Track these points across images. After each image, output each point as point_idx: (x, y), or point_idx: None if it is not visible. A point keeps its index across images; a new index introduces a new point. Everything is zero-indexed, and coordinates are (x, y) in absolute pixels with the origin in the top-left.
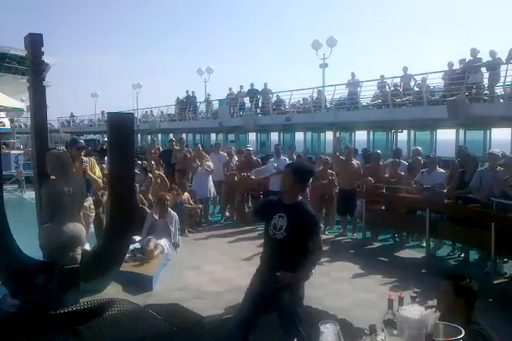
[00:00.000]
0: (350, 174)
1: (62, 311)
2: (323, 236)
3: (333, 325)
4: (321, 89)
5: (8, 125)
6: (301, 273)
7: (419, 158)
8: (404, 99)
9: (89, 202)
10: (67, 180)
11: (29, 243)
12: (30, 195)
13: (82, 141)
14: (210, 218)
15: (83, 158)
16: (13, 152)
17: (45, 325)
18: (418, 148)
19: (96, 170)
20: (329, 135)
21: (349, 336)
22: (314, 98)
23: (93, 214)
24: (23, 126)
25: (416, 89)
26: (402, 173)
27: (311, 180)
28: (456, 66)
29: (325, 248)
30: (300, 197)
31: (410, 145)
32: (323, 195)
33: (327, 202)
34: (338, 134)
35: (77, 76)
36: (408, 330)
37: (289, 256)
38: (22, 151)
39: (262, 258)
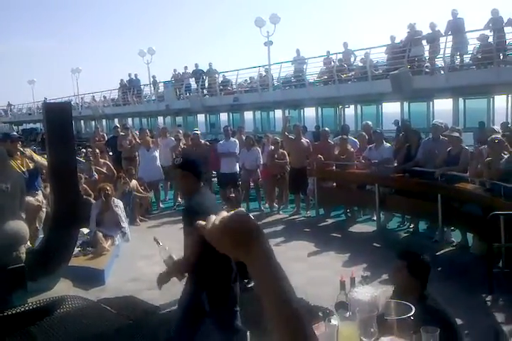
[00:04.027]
0: (300, 152)
1: (10, 312)
2: (277, 216)
3: None
4: (267, 67)
5: None
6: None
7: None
8: (349, 74)
9: (40, 196)
10: (3, 176)
11: None
12: None
13: (14, 133)
14: (161, 205)
15: (21, 149)
16: None
17: None
18: (368, 122)
19: (38, 157)
20: (278, 113)
21: (309, 316)
22: (262, 76)
23: (45, 209)
24: None
25: (360, 64)
26: (352, 150)
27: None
28: (398, 40)
29: (280, 227)
30: (195, 187)
31: (358, 120)
32: (275, 175)
33: (280, 182)
34: (287, 112)
35: (11, 62)
36: (359, 313)
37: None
38: None
39: None
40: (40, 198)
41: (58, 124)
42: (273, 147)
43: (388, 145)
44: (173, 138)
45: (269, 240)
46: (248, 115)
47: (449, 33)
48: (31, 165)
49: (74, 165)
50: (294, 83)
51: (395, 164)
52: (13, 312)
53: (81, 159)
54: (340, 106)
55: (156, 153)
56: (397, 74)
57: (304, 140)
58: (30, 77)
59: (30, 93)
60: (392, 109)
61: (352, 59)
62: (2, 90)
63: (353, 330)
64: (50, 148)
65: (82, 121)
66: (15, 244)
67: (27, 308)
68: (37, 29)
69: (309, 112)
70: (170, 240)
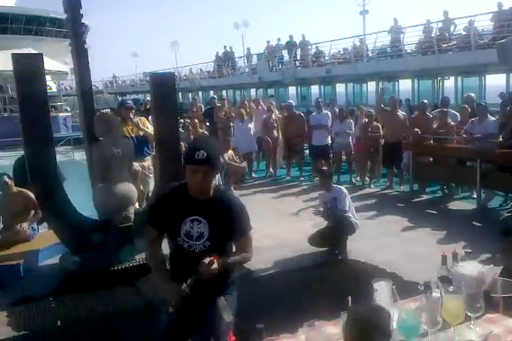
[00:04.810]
0: (396, 126)
1: (119, 267)
2: (369, 190)
3: (387, 283)
4: (362, 37)
5: (54, 88)
6: (227, 262)
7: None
8: (451, 44)
9: (148, 162)
10: (115, 141)
11: (84, 203)
12: (81, 156)
13: (130, 102)
14: (254, 174)
15: (133, 117)
16: (61, 114)
17: (104, 280)
18: (471, 94)
19: (149, 126)
20: (371, 85)
21: (401, 291)
22: (356, 47)
23: (152, 175)
24: (68, 88)
25: (463, 33)
26: (452, 123)
27: None
28: (507, 6)
29: (372, 201)
30: (215, 184)
31: (458, 93)
32: (368, 148)
33: (373, 155)
34: (381, 84)
35: (115, 36)
36: (466, 288)
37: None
38: (70, 114)
39: (175, 277)
40: (146, 164)
41: (163, 94)
42: (367, 120)
43: (493, 119)
44: (265, 108)
45: (361, 214)
46: (339, 88)
47: None
48: (141, 133)
49: (177, 134)
50: (390, 54)
51: (500, 139)
52: (122, 267)
53: (180, 129)
54: (439, 78)
55: (250, 125)
56: (504, 44)
57: (401, 112)
58: (133, 50)
59: (131, 65)
60: (494, 82)
61: (452, 28)
62: (108, 63)
63: (459, 304)
64: (156, 118)
65: (179, 93)
66: (124, 204)
67: (135, 264)
68: (138, 4)
69: (403, 85)
70: (261, 207)
